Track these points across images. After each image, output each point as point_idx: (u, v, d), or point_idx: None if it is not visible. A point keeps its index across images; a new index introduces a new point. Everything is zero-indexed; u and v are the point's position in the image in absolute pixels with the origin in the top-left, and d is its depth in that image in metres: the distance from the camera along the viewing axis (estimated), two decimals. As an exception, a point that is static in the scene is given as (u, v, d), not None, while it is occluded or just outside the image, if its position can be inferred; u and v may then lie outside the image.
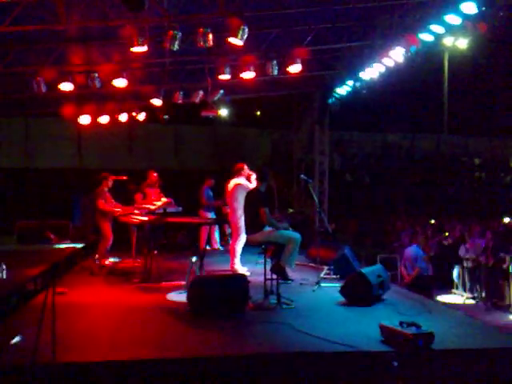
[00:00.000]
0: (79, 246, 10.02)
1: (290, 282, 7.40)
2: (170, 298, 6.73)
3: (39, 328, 4.30)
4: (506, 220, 13.27)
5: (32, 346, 4.25)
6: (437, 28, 7.87)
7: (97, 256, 8.81)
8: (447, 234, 12.40)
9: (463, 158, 20.01)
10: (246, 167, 8.33)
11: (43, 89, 9.16)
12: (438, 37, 8.19)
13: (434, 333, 4.71)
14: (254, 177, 7.94)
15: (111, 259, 9.05)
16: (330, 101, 12.14)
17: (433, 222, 13.46)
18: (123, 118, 12.08)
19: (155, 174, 10.02)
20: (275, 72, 9.32)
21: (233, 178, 8.32)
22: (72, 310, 6.01)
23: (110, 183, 8.89)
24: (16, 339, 4.80)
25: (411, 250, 9.44)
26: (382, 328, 4.91)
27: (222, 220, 9.68)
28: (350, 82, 11.11)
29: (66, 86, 9.17)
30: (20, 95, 10.78)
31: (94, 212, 8.86)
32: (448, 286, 10.93)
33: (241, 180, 8.18)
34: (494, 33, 8.39)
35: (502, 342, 5.12)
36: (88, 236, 11.10)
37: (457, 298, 10.21)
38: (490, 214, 13.98)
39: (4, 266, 5.84)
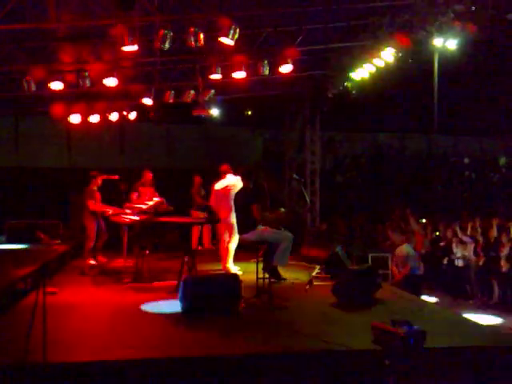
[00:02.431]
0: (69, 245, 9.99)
1: (282, 281, 7.43)
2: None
3: (30, 328, 4.28)
4: (495, 219, 13.35)
5: (23, 346, 4.23)
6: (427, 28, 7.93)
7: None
8: (438, 233, 12.46)
9: (453, 157, 20.14)
10: (230, 168, 8.37)
11: (33, 88, 9.10)
12: (428, 37, 8.25)
13: (425, 331, 4.74)
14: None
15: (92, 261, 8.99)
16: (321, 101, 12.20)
17: (424, 220, 13.52)
18: (114, 117, 12.03)
19: (150, 174, 9.99)
20: (266, 72, 9.33)
21: (220, 179, 8.36)
22: (63, 310, 5.98)
23: (100, 182, 8.85)
24: None
25: (402, 249, 9.47)
26: (374, 327, 4.93)
27: (214, 219, 9.68)
28: (341, 83, 11.16)
29: (56, 85, 9.11)
30: (10, 94, 10.70)
31: (82, 211, 8.82)
32: (438, 286, 10.99)
33: (233, 180, 8.20)
34: (482, 33, 8.45)
35: (493, 340, 5.16)
36: (78, 235, 11.05)
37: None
38: (479, 213, 14.08)
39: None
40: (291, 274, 8.00)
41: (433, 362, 4.61)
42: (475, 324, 6.12)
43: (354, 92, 10.84)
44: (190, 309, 5.88)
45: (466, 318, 6.51)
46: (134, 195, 9.60)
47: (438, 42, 8.44)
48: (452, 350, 4.78)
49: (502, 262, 9.65)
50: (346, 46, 9.96)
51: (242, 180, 7.22)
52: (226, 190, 8.19)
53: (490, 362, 4.68)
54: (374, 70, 9.63)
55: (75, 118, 11.55)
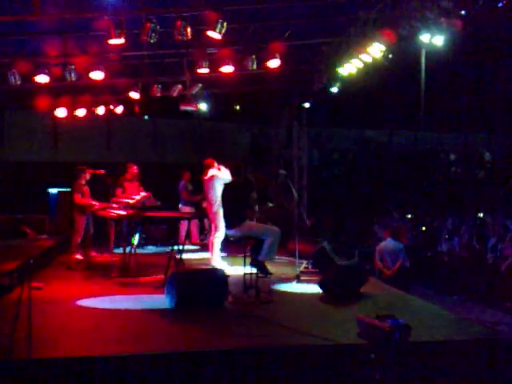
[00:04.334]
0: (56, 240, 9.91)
1: (269, 275, 7.44)
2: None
3: (15, 323, 4.25)
4: (481, 215, 13.50)
5: (8, 342, 4.19)
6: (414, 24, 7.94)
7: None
8: (424, 228, 12.59)
9: (439, 154, 20.28)
10: (215, 162, 8.40)
11: (18, 81, 8.99)
12: (415, 33, 8.27)
13: (410, 325, 4.78)
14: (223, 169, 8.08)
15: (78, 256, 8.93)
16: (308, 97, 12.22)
17: (409, 216, 13.65)
18: (100, 111, 11.94)
19: (135, 168, 9.93)
20: (254, 66, 9.31)
21: (204, 173, 8.40)
22: (48, 305, 5.94)
23: (88, 176, 8.80)
24: None
25: (389, 244, 9.50)
26: (359, 321, 4.96)
27: (202, 214, 9.67)
28: (328, 78, 11.16)
29: (42, 79, 9.01)
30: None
31: (71, 206, 8.76)
32: (424, 279, 11.08)
33: (214, 171, 8.23)
34: (468, 29, 8.50)
35: (477, 333, 5.22)
36: (65, 230, 10.97)
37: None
38: (464, 209, 14.23)
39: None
40: (278, 269, 8.03)
41: (418, 357, 4.66)
42: (460, 318, 6.19)
43: (340, 87, 10.85)
44: (177, 304, 5.87)
45: (450, 312, 6.58)
46: (119, 190, 9.54)
47: (424, 38, 8.46)
48: (438, 344, 4.83)
49: (488, 255, 9.77)
50: (334, 41, 9.96)
51: (231, 175, 7.24)
52: (209, 181, 8.22)
53: (473, 356, 4.74)
54: (361, 65, 9.64)
55: (61, 112, 11.45)
